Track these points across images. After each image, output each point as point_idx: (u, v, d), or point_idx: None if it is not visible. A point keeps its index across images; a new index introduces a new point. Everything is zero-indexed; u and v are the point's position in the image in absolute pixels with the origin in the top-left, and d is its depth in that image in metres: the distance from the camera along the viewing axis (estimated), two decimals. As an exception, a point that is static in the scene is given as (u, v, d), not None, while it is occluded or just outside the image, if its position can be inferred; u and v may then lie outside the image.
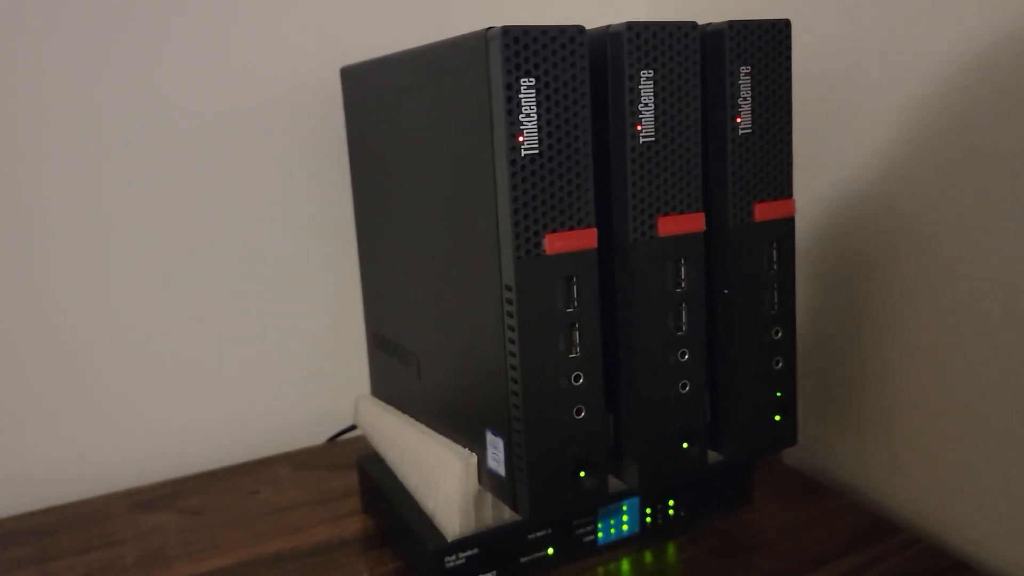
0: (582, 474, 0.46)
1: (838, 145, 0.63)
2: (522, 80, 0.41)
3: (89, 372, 0.70)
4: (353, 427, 0.76)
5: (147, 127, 0.68)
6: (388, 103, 0.54)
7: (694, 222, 0.47)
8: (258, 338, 0.75)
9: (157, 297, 0.71)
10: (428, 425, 0.56)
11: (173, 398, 0.73)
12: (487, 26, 0.78)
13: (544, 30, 0.41)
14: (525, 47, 0.41)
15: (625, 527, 0.57)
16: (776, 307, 0.50)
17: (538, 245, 0.43)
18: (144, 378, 0.72)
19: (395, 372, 0.60)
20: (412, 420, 0.58)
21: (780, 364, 0.51)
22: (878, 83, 0.59)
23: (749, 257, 0.49)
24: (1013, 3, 0.50)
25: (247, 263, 0.74)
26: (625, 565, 0.55)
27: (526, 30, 0.41)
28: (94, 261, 0.68)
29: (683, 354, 0.48)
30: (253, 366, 0.76)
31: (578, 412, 0.45)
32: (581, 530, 0.55)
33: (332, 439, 0.77)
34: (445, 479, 0.51)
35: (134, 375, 0.71)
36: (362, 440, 0.75)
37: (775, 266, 0.50)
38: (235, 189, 0.72)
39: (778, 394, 0.51)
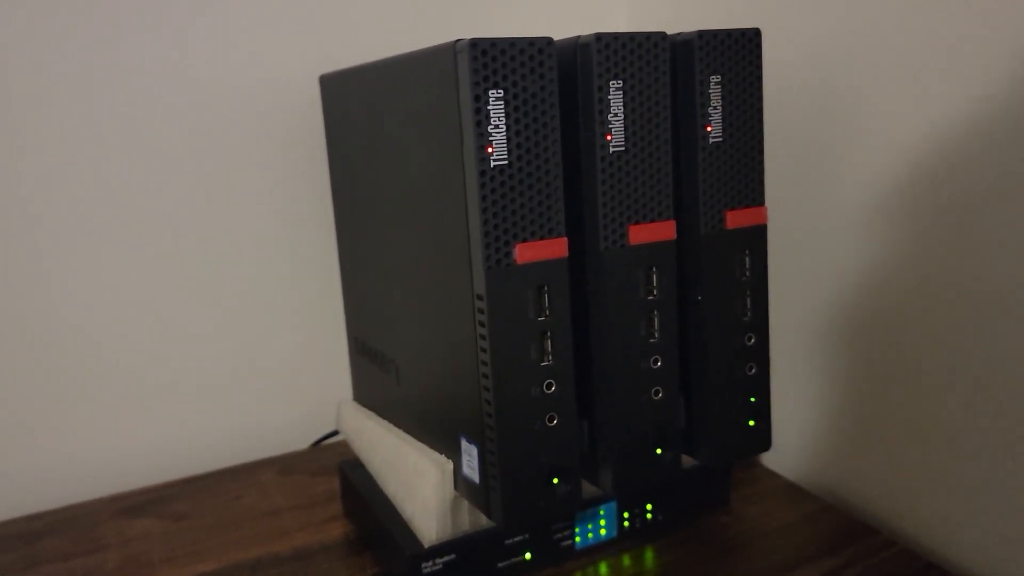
0: (555, 481, 0.46)
1: (840, 147, 0.64)
2: (490, 92, 0.41)
3: (74, 379, 0.70)
4: (337, 432, 0.77)
5: (126, 137, 0.69)
6: (364, 112, 0.54)
7: (665, 230, 0.47)
8: (243, 343, 0.76)
9: (142, 304, 0.71)
10: (407, 431, 0.56)
11: (158, 404, 0.74)
12: (469, 35, 0.78)
13: (512, 42, 0.41)
14: (493, 59, 0.41)
15: (603, 531, 0.57)
16: (749, 313, 0.51)
17: (508, 255, 0.43)
18: (129, 384, 0.72)
19: (375, 378, 0.60)
20: (391, 426, 0.58)
21: (754, 370, 0.52)
22: (870, 88, 0.60)
23: (721, 264, 0.50)
24: (1009, 12, 0.51)
25: (231, 269, 0.74)
26: (603, 569, 0.55)
27: (494, 42, 0.41)
28: (78, 269, 0.69)
29: (656, 361, 0.48)
30: (238, 371, 0.76)
31: (551, 419, 0.46)
32: (559, 535, 0.55)
33: (316, 444, 0.77)
34: (422, 485, 0.51)
35: (119, 381, 0.72)
36: (346, 444, 0.76)
37: (748, 273, 0.50)
38: (218, 196, 0.73)
39: (752, 399, 0.52)
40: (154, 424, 0.74)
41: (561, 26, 0.83)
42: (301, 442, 0.78)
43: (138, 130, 0.69)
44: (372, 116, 0.53)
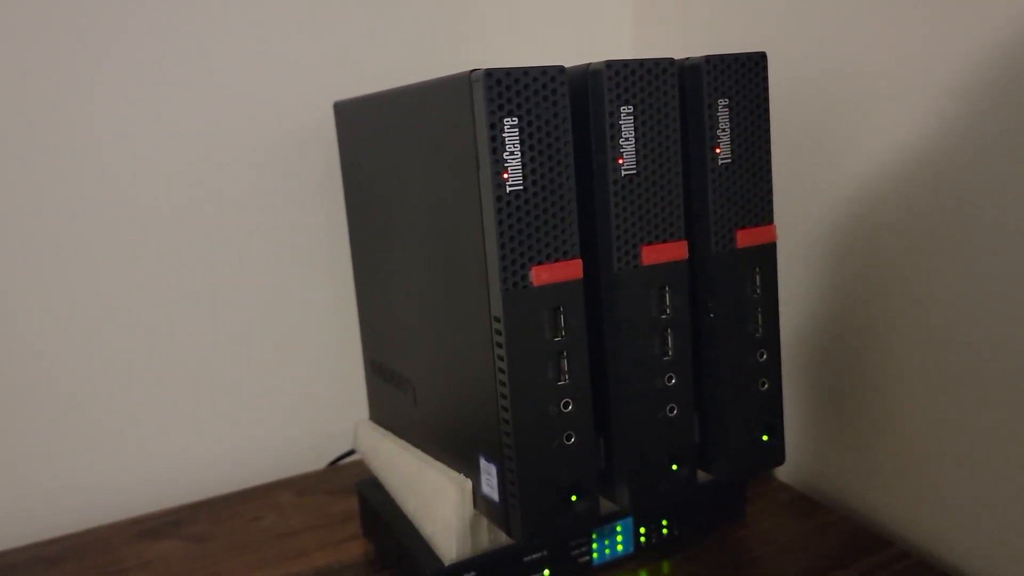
0: (574, 498, 0.47)
1: (841, 163, 0.65)
2: (505, 120, 0.42)
3: (93, 402, 0.71)
4: (354, 451, 0.77)
5: (142, 161, 0.70)
6: (379, 138, 0.56)
7: (677, 250, 0.48)
8: (259, 365, 0.77)
9: (159, 326, 0.72)
10: (424, 451, 0.57)
11: (177, 427, 0.75)
12: (476, 62, 0.80)
13: (526, 71, 0.43)
14: (507, 88, 0.42)
15: (620, 547, 0.58)
16: (761, 330, 0.52)
17: (524, 277, 0.44)
18: (148, 407, 0.73)
19: (392, 398, 0.61)
20: (409, 445, 0.59)
21: (766, 386, 0.52)
22: (879, 96, 0.61)
23: (733, 282, 0.50)
24: (1004, 15, 0.52)
25: (248, 292, 0.75)
26: (620, 584, 0.56)
27: (508, 71, 0.42)
28: (96, 290, 0.70)
29: (670, 378, 0.49)
30: (255, 393, 0.77)
31: (568, 438, 0.46)
32: (576, 551, 0.56)
33: (333, 463, 0.78)
34: (442, 504, 0.52)
35: (138, 404, 0.73)
36: (362, 463, 0.76)
37: (758, 290, 0.51)
38: (234, 219, 0.74)
39: (765, 415, 0.53)
40: (172, 446, 0.75)
41: (566, 53, 0.84)
42: (318, 462, 0.79)
43: (152, 160, 0.70)
44: (387, 142, 0.55)
